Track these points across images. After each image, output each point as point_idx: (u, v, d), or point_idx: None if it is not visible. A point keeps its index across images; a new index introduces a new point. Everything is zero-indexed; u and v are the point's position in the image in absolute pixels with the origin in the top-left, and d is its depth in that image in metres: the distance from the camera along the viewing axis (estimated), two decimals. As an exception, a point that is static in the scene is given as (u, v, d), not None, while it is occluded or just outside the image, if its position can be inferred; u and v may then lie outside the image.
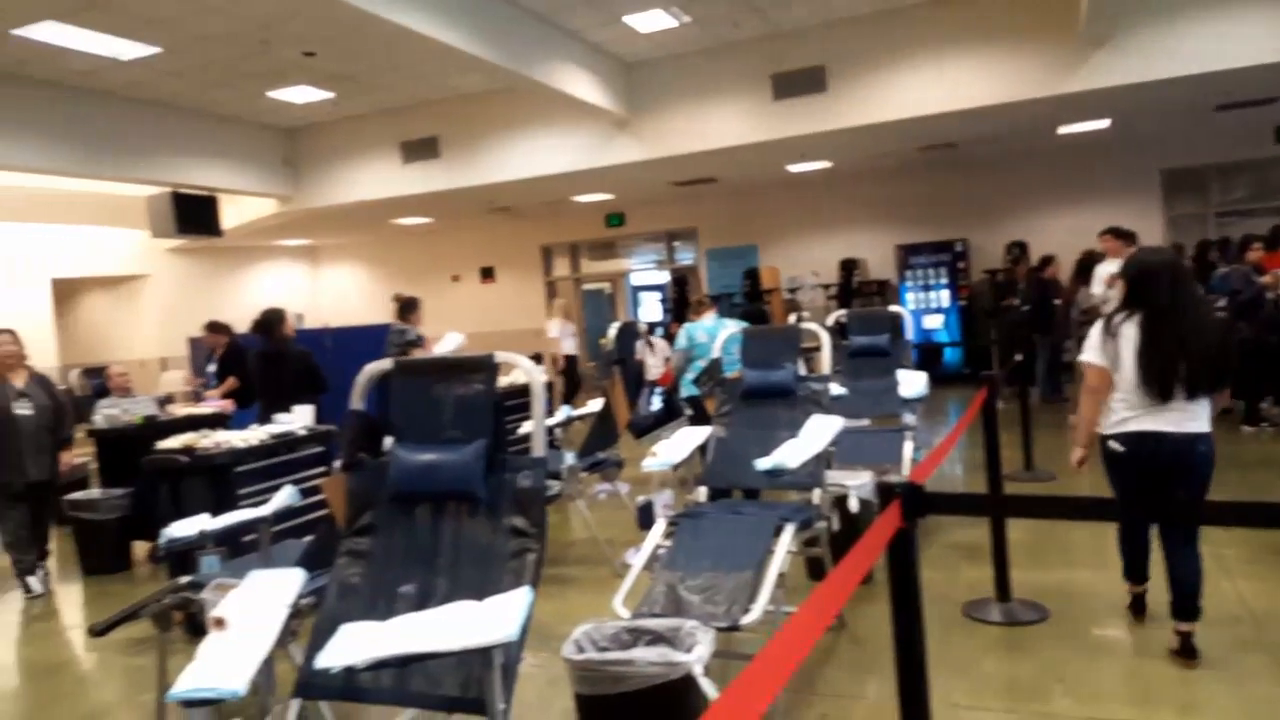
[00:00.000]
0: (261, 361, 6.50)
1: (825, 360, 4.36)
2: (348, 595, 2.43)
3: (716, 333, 5.29)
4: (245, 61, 9.12)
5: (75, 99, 9.50)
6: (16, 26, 7.76)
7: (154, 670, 3.76)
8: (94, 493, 6.16)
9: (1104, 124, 10.38)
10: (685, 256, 15.34)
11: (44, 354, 13.30)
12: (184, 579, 3.38)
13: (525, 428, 5.61)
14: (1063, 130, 10.67)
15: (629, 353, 5.72)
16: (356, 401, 2.65)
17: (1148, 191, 12.13)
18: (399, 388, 2.60)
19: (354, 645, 1.98)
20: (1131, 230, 7.88)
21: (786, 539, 3.48)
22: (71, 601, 5.67)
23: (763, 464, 3.57)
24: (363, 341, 9.40)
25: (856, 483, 4.21)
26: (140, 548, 6.18)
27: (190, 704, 1.99)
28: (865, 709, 3.33)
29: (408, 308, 7.08)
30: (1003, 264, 11.73)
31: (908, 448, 5.13)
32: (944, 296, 12.54)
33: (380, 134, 11.45)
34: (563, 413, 5.26)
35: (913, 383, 5.52)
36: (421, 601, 2.35)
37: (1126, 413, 3.43)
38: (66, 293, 14.60)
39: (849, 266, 12.99)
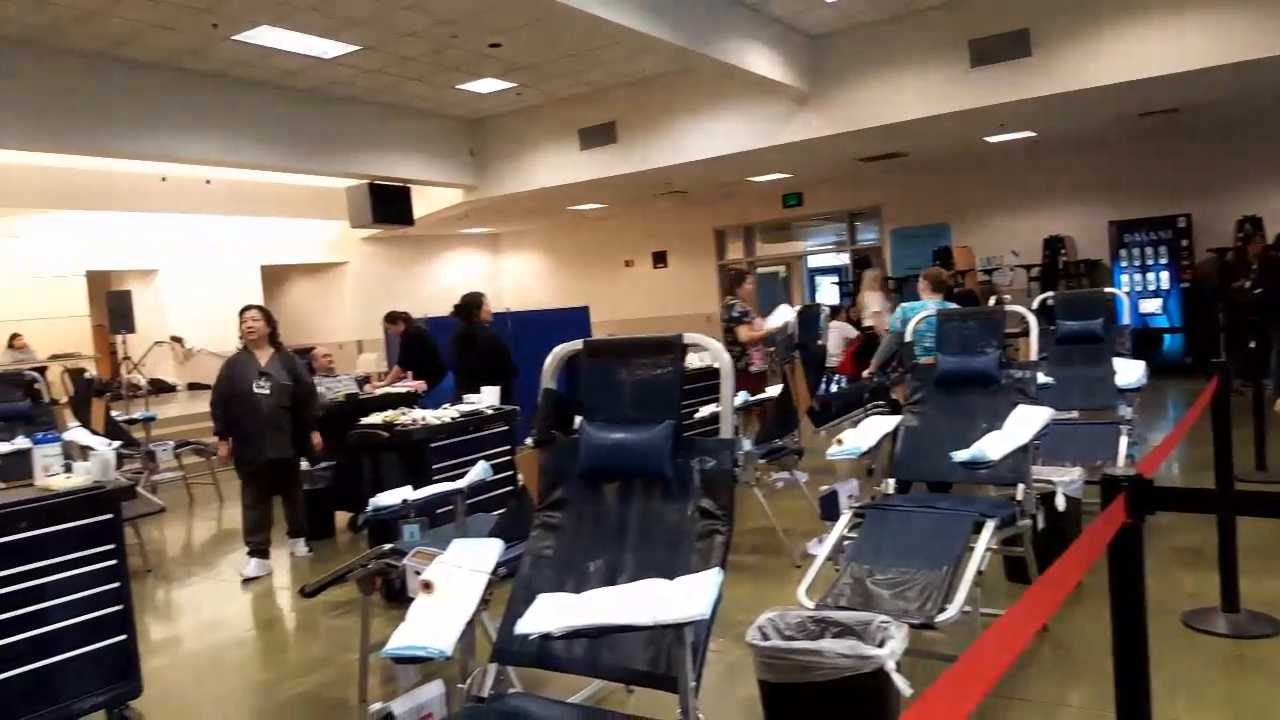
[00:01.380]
0: (459, 342, 6.82)
1: (1032, 346, 4.08)
2: (541, 566, 2.47)
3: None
4: (436, 55, 9.53)
5: (284, 98, 10.23)
6: (237, 32, 8.43)
7: (355, 631, 4.00)
8: (302, 464, 6.59)
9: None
10: (868, 237, 14.77)
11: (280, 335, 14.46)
12: (386, 546, 3.55)
13: (701, 412, 5.59)
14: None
15: (811, 336, 5.56)
16: (548, 380, 2.68)
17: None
18: (589, 367, 2.60)
19: (551, 614, 2.00)
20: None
21: (987, 536, 3.28)
22: (280, 565, 6.12)
23: (960, 455, 3.37)
24: (540, 325, 9.68)
25: (1064, 479, 3.91)
26: (341, 517, 6.59)
27: (401, 660, 2.09)
28: (1070, 718, 3.10)
29: (736, 280, 7.05)
30: (1232, 242, 10.66)
31: (1123, 443, 4.73)
32: (1164, 278, 11.47)
33: (559, 122, 11.70)
34: (740, 397, 5.17)
35: (1129, 371, 5.08)
36: (610, 577, 2.36)
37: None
38: (274, 279, 15.82)
39: (1054, 245, 12.11)
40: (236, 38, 8.57)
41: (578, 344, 2.63)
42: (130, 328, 12.13)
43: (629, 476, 2.48)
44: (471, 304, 6.81)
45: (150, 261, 13.79)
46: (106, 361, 13.73)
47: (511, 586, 2.47)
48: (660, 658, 2.16)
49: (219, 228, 14.09)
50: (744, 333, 6.58)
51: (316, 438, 5.80)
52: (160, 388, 13.16)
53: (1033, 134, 11.08)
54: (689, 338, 2.50)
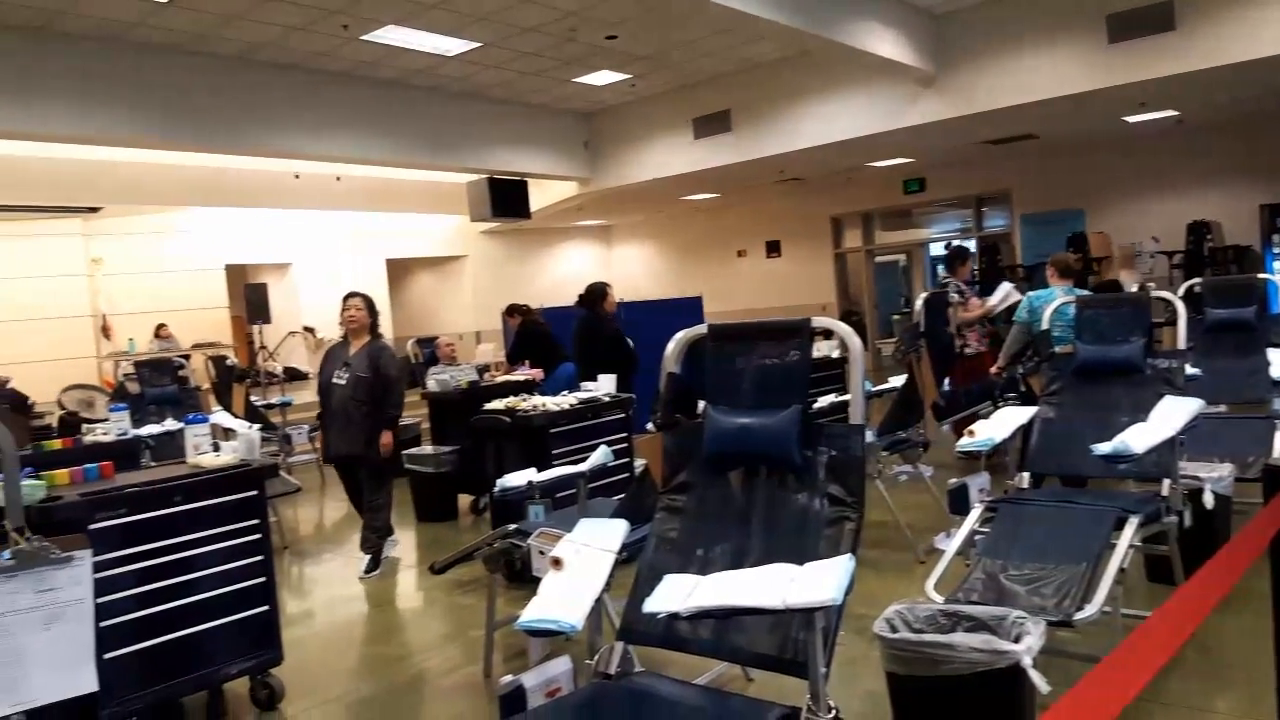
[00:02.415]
0: (583, 331, 6.92)
1: (1180, 334, 3.85)
2: (665, 549, 2.47)
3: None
4: (554, 50, 9.67)
5: (408, 96, 10.58)
6: (366, 32, 8.75)
7: (479, 609, 4.11)
8: (426, 449, 6.83)
9: None
10: (995, 223, 14.20)
11: (381, 326, 15.03)
12: (511, 526, 3.64)
13: (820, 403, 5.50)
14: None
15: (938, 326, 5.37)
16: (671, 365, 2.68)
17: None
18: (714, 352, 2.59)
19: (678, 594, 2.00)
20: None
21: (1130, 533, 3.12)
22: (407, 543, 6.34)
23: (1102, 448, 3.21)
24: (653, 315, 9.70)
25: (1213, 475, 3.68)
26: (464, 499, 6.78)
27: (534, 633, 2.13)
28: (1216, 726, 2.93)
29: (957, 257, 6.87)
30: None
31: (1278, 438, 4.42)
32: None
33: (672, 111, 11.70)
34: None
35: (1285, 362, 4.74)
36: (736, 561, 2.35)
37: None
38: (398, 272, 16.41)
39: (1199, 231, 11.43)
40: (365, 38, 8.91)
41: (702, 328, 2.62)
42: (266, 318, 12.80)
43: (754, 461, 2.46)
44: (596, 294, 6.91)
45: (285, 255, 14.52)
46: (244, 350, 14.53)
47: (636, 567, 2.49)
48: (789, 643, 2.13)
49: (348, 223, 14.69)
50: (959, 314, 6.41)
51: (386, 437, 5.26)
52: (293, 375, 13.83)
53: (1176, 113, 10.44)
54: (818, 321, 2.45)
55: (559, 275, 17.44)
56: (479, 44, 9.32)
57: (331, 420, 5.41)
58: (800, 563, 2.10)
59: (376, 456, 5.29)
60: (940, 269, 15.96)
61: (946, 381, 6.02)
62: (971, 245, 14.69)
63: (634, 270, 18.31)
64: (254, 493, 3.62)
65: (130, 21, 7.98)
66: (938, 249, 15.92)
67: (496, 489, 3.48)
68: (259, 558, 3.60)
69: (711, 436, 2.51)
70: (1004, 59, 9.13)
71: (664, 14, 8.67)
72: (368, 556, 5.42)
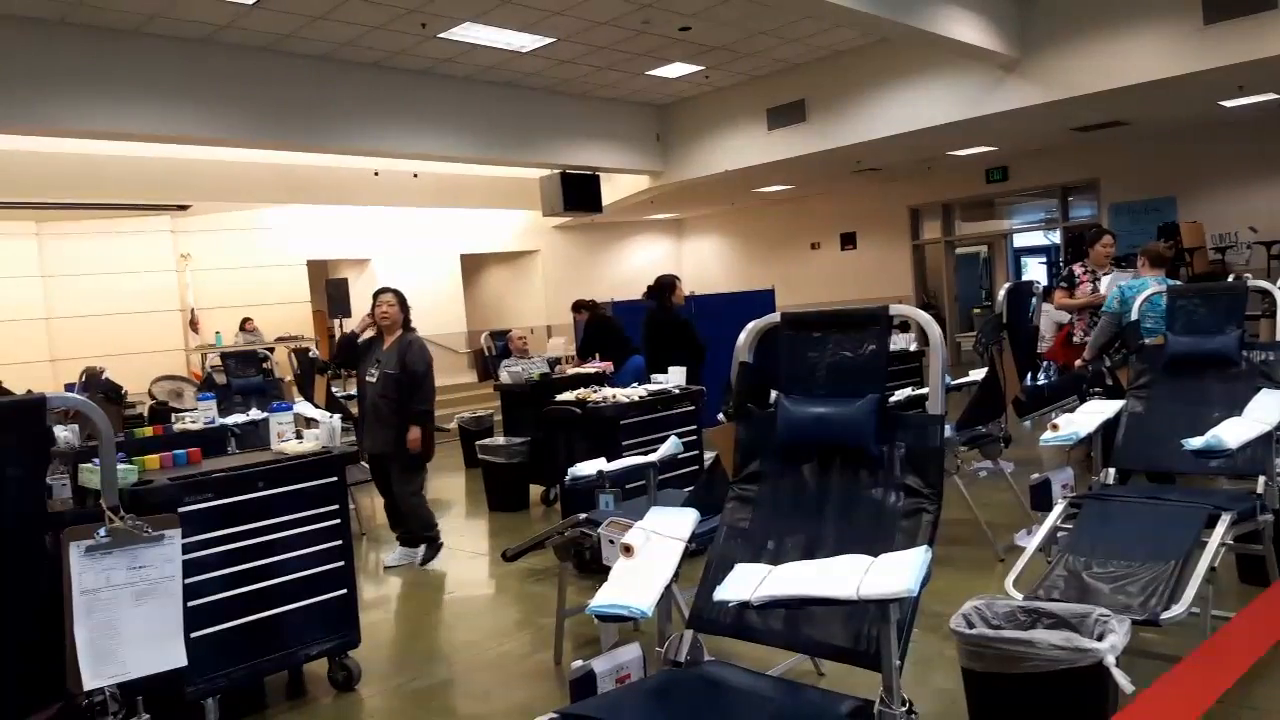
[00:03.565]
0: (651, 324, 6.94)
1: (1279, 326, 3.67)
2: (736, 538, 2.46)
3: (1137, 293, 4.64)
4: (627, 43, 9.67)
5: (483, 92, 10.71)
6: (443, 30, 8.89)
7: (549, 597, 4.15)
8: (499, 440, 6.92)
9: None
10: (1082, 213, 13.70)
11: (455, 320, 15.33)
12: (582, 515, 3.66)
13: (899, 394, 5.40)
14: None
15: (1023, 317, 5.21)
16: (744, 354, 2.66)
17: None
18: (788, 340, 2.56)
19: (750, 583, 1.98)
20: None
21: (1221, 530, 2.99)
22: (479, 532, 6.45)
23: (1193, 443, 3.08)
24: (724, 308, 9.65)
25: (1313, 472, 3.50)
26: (535, 490, 6.85)
27: (606, 618, 2.14)
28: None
29: (1088, 238, 6.57)
30: None
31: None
32: None
33: (746, 102, 11.60)
34: (938, 380, 4.94)
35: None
36: (809, 551, 2.32)
37: None
38: (472, 267, 16.65)
39: (1300, 220, 10.89)
40: (442, 35, 9.04)
41: (775, 317, 2.59)
42: (346, 312, 13.13)
43: (829, 451, 2.42)
44: (665, 286, 6.91)
45: (364, 251, 14.85)
46: (325, 344, 14.92)
47: (707, 556, 2.48)
48: (862, 635, 2.10)
49: (424, 219, 14.97)
50: (1057, 298, 6.26)
51: (414, 433, 5.17)
52: (371, 368, 14.15)
53: (1277, 96, 9.94)
54: (896, 309, 2.40)
55: (630, 269, 17.49)
56: (553, 39, 9.38)
57: (363, 417, 5.43)
58: (875, 554, 2.07)
59: (406, 453, 5.23)
60: (1024, 260, 15.54)
61: (1036, 372, 5.83)
62: (1056, 236, 14.24)
63: (706, 263, 18.24)
64: (334, 479, 3.72)
65: (219, 24, 8.25)
66: (1021, 240, 15.46)
67: (567, 478, 3.51)
68: (339, 542, 3.70)
69: (785, 425, 2.48)
70: (1091, 42, 8.79)
71: (739, 3, 8.60)
72: (421, 548, 5.44)
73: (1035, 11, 9.07)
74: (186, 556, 3.20)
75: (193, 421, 5.27)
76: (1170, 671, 1.22)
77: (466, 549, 5.96)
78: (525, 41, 9.39)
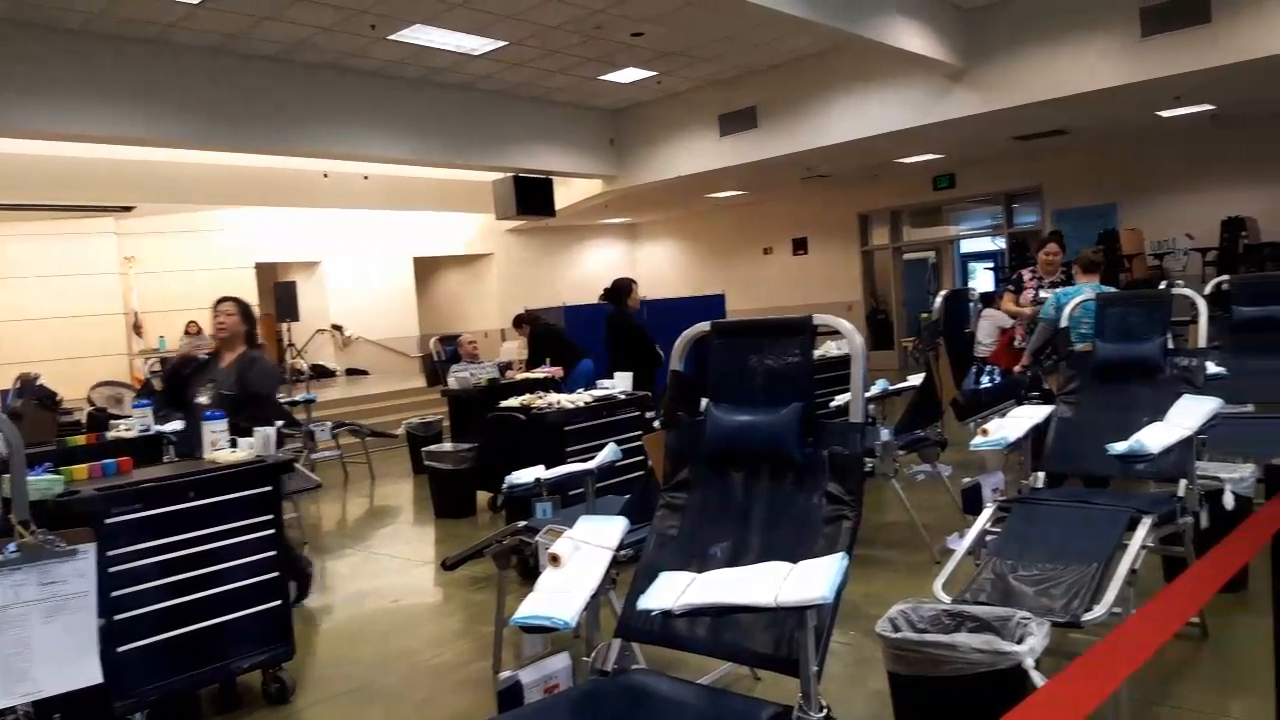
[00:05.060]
0: (608, 327, 6.95)
1: (1201, 333, 3.78)
2: (665, 546, 2.47)
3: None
4: (579, 47, 9.68)
5: (434, 95, 10.65)
6: (393, 32, 8.82)
7: (493, 605, 4.12)
8: (446, 446, 6.87)
9: None
10: (1026, 219, 14.01)
11: (407, 323, 15.21)
12: (521, 523, 3.65)
13: (836, 401, 5.46)
14: None
15: (958, 324, 5.32)
16: (676, 362, 2.68)
17: None
18: (717, 349, 2.58)
19: (673, 591, 2.00)
20: None
21: (1142, 533, 3.07)
22: (424, 539, 6.40)
23: (1117, 447, 3.16)
24: (675, 312, 9.71)
25: (1234, 476, 3.61)
26: (483, 496, 6.82)
27: (528, 629, 2.13)
28: (1230, 732, 2.88)
29: (1040, 244, 6.64)
30: None
31: (1307, 439, 4.33)
32: None
33: (699, 108, 11.68)
34: (879, 385, 5.02)
35: (1314, 363, 4.64)
36: (734, 558, 2.34)
37: None
38: (425, 270, 16.54)
39: (1234, 227, 11.19)
40: (392, 37, 8.98)
41: (706, 325, 2.61)
42: (294, 316, 12.93)
43: (755, 459, 2.44)
44: (621, 289, 6.95)
45: (314, 254, 14.68)
46: (273, 348, 14.71)
47: (637, 564, 2.49)
48: (783, 641, 2.12)
49: (376, 221, 14.83)
50: (1005, 302, 6.36)
51: None
52: (321, 372, 13.99)
53: (1211, 107, 10.25)
54: (819, 319, 2.43)
55: (584, 273, 17.49)
56: (505, 42, 9.36)
57: (191, 445, 4.34)
58: (797, 560, 2.09)
59: None
60: (972, 266, 15.81)
61: (979, 376, 5.94)
62: (1001, 242, 14.51)
63: (660, 267, 18.30)
64: (268, 488, 3.67)
65: (164, 23, 8.11)
66: (968, 245, 15.72)
67: (504, 486, 3.50)
68: (273, 553, 3.65)
69: (713, 433, 2.50)
70: (1034, 53, 9.00)
71: (689, 12, 8.66)
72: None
73: (980, 23, 9.26)
74: (116, 569, 3.17)
75: (127, 429, 5.16)
76: (1078, 659, 1.26)
77: (411, 557, 5.91)
78: (476, 44, 9.36)
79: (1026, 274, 6.38)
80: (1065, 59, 8.83)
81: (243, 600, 3.50)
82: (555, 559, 2.25)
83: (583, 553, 2.30)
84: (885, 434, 4.79)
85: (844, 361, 6.59)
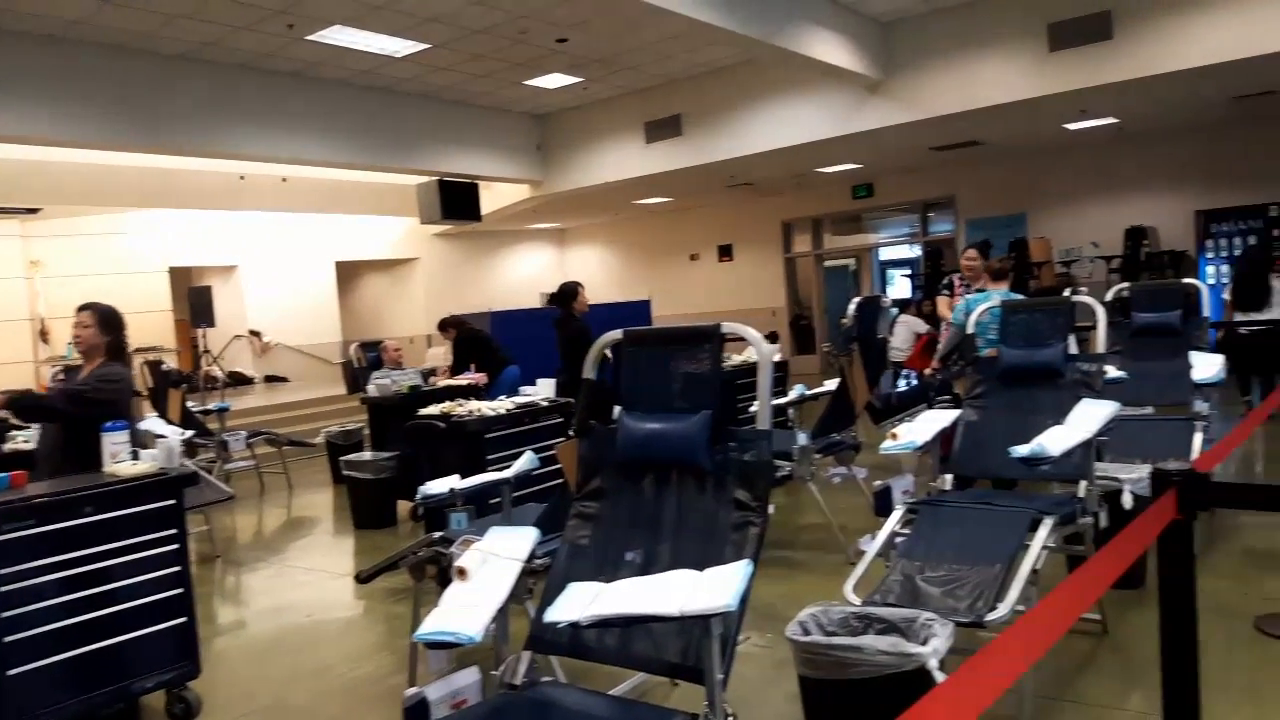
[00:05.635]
0: (556, 330, 6.89)
1: (1100, 338, 3.93)
2: (577, 556, 2.46)
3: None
4: (504, 51, 9.61)
5: (357, 97, 10.46)
6: (312, 32, 8.64)
7: (410, 618, 4.06)
8: (365, 455, 6.74)
9: None
10: (941, 228, 14.40)
11: (329, 329, 14.90)
12: (436, 534, 3.60)
13: (754, 406, 5.53)
14: None
15: (870, 330, 5.43)
16: (589, 370, 2.68)
17: None
18: (628, 357, 2.59)
19: (580, 603, 1.99)
20: None
21: (1043, 534, 3.17)
22: (343, 551, 6.27)
23: (1019, 451, 3.25)
24: (600, 319, 9.67)
25: (1132, 476, 3.76)
26: (404, 506, 6.70)
27: (432, 645, 2.10)
28: (1122, 722, 2.99)
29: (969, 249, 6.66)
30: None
31: (1198, 439, 4.53)
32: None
33: (625, 115, 11.71)
34: (797, 391, 5.10)
35: (1207, 366, 4.85)
36: (645, 567, 2.35)
37: None
38: (349, 274, 16.22)
39: (1136, 236, 11.68)
40: (311, 38, 8.79)
41: (618, 334, 2.62)
42: (210, 322, 12.59)
43: (666, 467, 2.45)
44: (567, 293, 6.91)
45: (231, 258, 14.28)
46: (188, 355, 14.27)
47: (549, 575, 2.47)
48: (691, 650, 2.13)
49: (296, 225, 14.50)
50: (940, 305, 6.48)
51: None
52: (239, 380, 13.62)
53: (1116, 120, 10.69)
54: (727, 327, 2.46)
55: (514, 278, 17.38)
56: (428, 45, 9.24)
57: (39, 462, 4.14)
58: (703, 568, 2.11)
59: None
60: (890, 273, 16.17)
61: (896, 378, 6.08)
62: (918, 250, 14.87)
63: (589, 273, 18.23)
64: (171, 502, 3.55)
65: (71, 19, 7.80)
66: (887, 253, 16.07)
67: (418, 496, 3.44)
68: (176, 568, 3.54)
69: (624, 441, 2.51)
70: (948, 66, 9.26)
71: (614, 19, 8.67)
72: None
73: (896, 36, 9.49)
74: (7, 587, 3.04)
75: (25, 441, 4.94)
76: (970, 658, 1.28)
77: (329, 569, 5.78)
78: (398, 47, 9.23)
79: (957, 278, 6.55)
80: (978, 72, 9.10)
81: (144, 618, 3.39)
82: (462, 572, 2.23)
83: (491, 565, 2.28)
84: (803, 438, 4.86)
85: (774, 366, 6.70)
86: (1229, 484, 1.86)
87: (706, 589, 1.93)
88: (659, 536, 2.39)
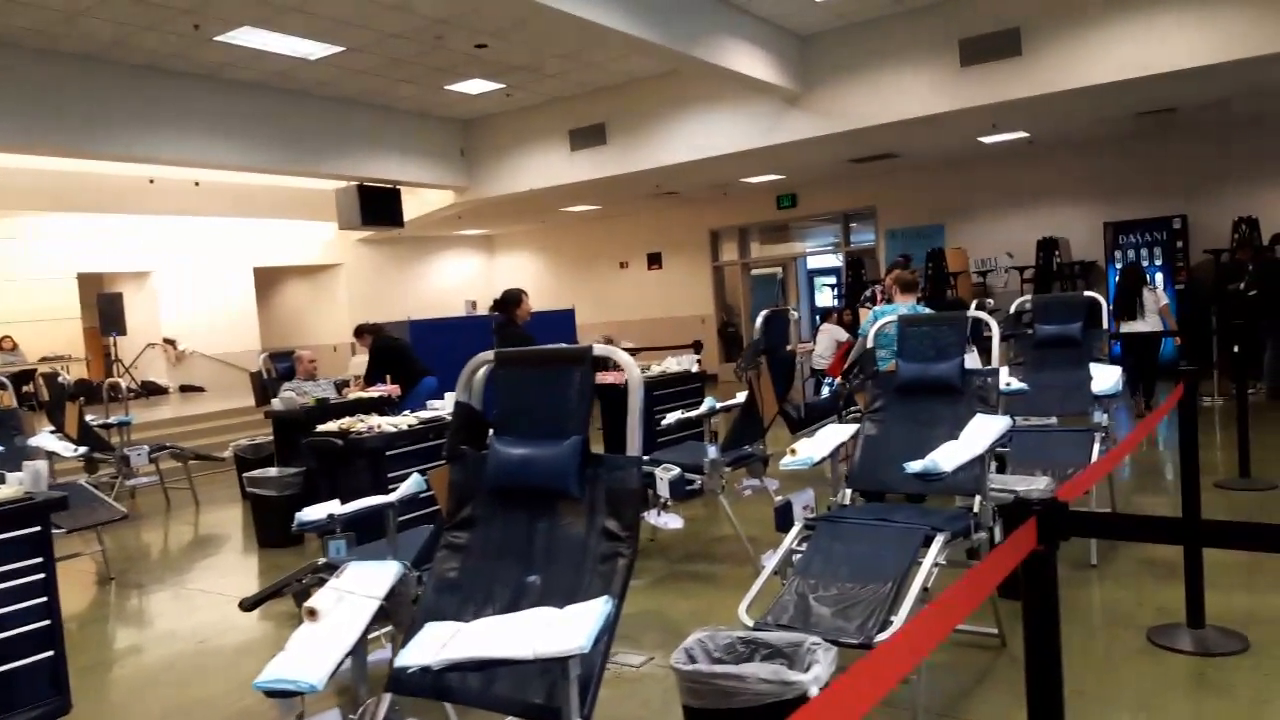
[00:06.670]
0: (497, 337, 6.70)
1: (994, 352, 3.95)
2: (444, 591, 2.36)
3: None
4: (422, 57, 9.45)
5: (272, 99, 10.17)
6: (219, 33, 8.37)
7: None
8: (270, 471, 6.50)
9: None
10: (863, 238, 14.60)
11: (247, 337, 14.47)
12: (321, 560, 3.45)
13: (670, 418, 5.48)
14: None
15: (778, 342, 5.41)
16: (460, 393, 2.58)
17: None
18: (501, 379, 2.50)
19: (433, 645, 1.90)
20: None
21: (935, 550, 3.15)
22: (245, 571, 6.04)
23: (913, 466, 3.25)
24: (532, 326, 9.54)
25: (1029, 488, 3.79)
26: (311, 524, 6.48)
27: (270, 693, 1.97)
28: (1013, 739, 2.99)
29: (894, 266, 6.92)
30: (1229, 243, 10.49)
31: (1095, 450, 4.60)
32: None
33: (549, 123, 11.61)
34: (707, 404, 5.06)
35: (1105, 377, 4.93)
36: (515, 601, 2.25)
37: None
38: (268, 280, 15.79)
39: (1048, 247, 11.95)
40: (219, 39, 8.52)
41: (489, 355, 2.52)
42: (121, 330, 12.13)
43: (537, 494, 2.37)
44: (510, 300, 6.74)
45: (143, 264, 13.78)
46: (99, 363, 13.74)
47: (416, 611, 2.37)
48: (555, 690, 2.04)
49: (212, 230, 14.06)
50: (863, 315, 6.50)
51: None
52: (152, 390, 13.14)
53: (1026, 134, 10.94)
54: (600, 350, 2.38)
55: (441, 285, 17.11)
56: (342, 48, 9.02)
57: None
58: (572, 600, 2.03)
59: None
60: (817, 281, 16.34)
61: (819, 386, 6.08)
62: (840, 260, 15.06)
63: (518, 280, 17.85)
64: (36, 529, 3.35)
65: (-40, 16, 7.44)
66: (814, 262, 16.22)
67: (295, 523, 3.29)
68: (43, 599, 3.34)
69: (495, 468, 2.41)
70: (865, 80, 9.37)
71: (534, 27, 8.57)
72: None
73: (814, 50, 9.58)
74: None
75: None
76: (836, 680, 1.24)
77: (227, 592, 5.54)
78: (312, 49, 9.00)
79: (879, 290, 6.61)
80: (893, 86, 9.22)
81: (7, 652, 3.19)
82: (312, 613, 2.10)
83: (346, 604, 2.16)
84: (713, 451, 4.83)
85: (681, 379, 6.67)
86: (1089, 514, 1.85)
87: (562, 630, 1.85)
88: (529, 568, 2.31)
